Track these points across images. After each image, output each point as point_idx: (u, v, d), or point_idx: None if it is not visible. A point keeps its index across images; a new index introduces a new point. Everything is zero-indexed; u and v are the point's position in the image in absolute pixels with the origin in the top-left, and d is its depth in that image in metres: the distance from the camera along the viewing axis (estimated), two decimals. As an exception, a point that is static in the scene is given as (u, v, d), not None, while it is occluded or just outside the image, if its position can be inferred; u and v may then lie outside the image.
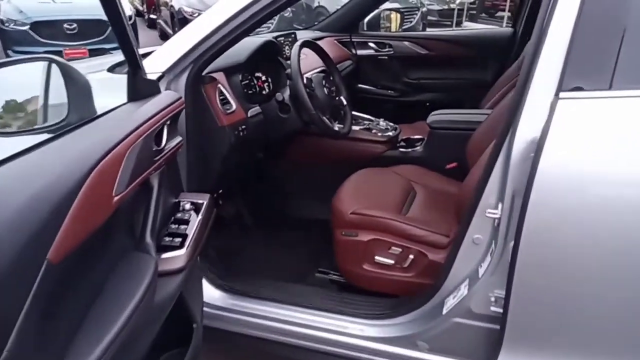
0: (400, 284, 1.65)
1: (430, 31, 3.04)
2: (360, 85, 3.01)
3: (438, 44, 2.86)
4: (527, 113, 1.18)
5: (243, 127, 1.72)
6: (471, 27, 11.24)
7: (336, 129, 1.88)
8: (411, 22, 7.97)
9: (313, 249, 2.07)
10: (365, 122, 2.31)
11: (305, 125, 1.87)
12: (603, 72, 1.10)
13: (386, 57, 2.94)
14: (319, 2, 8.04)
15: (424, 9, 8.52)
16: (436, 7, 11.26)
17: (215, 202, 2.03)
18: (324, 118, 1.82)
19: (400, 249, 1.63)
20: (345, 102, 1.98)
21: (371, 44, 2.95)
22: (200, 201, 1.30)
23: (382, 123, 2.27)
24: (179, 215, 1.25)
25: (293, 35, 2.37)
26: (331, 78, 2.00)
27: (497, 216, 1.26)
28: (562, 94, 1.12)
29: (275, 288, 1.72)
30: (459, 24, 10.90)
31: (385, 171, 2.05)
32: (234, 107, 1.69)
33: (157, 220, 1.15)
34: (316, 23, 3.02)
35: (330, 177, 2.17)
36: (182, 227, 1.22)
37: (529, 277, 1.19)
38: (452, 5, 11.43)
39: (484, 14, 12.73)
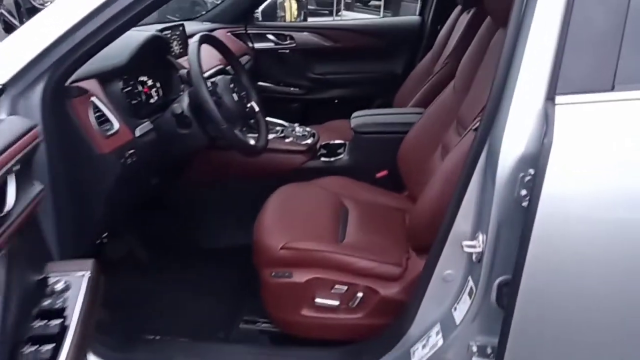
0: (349, 328, 1.37)
1: (334, 20, 2.75)
2: (260, 83, 2.65)
3: (344, 35, 2.60)
4: (511, 124, 0.94)
5: (131, 151, 1.30)
6: (350, 17, 11.34)
7: (252, 142, 1.52)
8: (292, 11, 7.77)
9: (234, 289, 1.70)
10: (278, 128, 1.97)
11: (212, 140, 1.49)
12: (604, 70, 0.90)
13: (287, 51, 2.62)
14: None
15: (304, -2, 8.36)
16: (314, -4, 11.17)
17: (100, 245, 1.59)
18: (237, 132, 1.45)
19: (345, 287, 1.35)
20: (257, 109, 1.63)
21: (270, 36, 2.60)
22: (79, 273, 0.89)
23: (298, 129, 1.95)
24: (46, 302, 0.83)
25: (181, 28, 1.95)
26: (239, 80, 1.64)
27: (478, 250, 1.02)
28: (559, 99, 0.90)
29: (189, 350, 1.35)
30: (336, 12, 10.90)
31: (309, 186, 1.75)
32: (117, 126, 1.27)
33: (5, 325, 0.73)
34: (203, 12, 2.59)
35: (245, 196, 1.83)
36: (53, 323, 0.80)
37: (531, 327, 0.96)
38: (329, -6, 11.41)
39: (358, 3, 12.93)
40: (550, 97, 0.90)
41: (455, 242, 1.07)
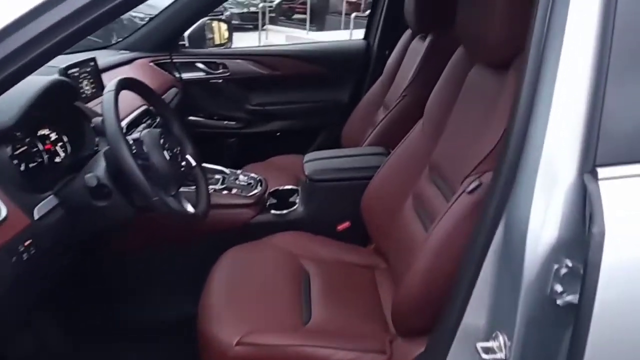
0: None
1: (271, 47, 2.49)
2: (191, 118, 2.33)
3: (282, 62, 2.34)
4: (539, 200, 0.74)
5: (28, 241, 0.96)
6: (274, 29, 11.17)
7: (190, 210, 1.22)
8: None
9: None
10: (218, 176, 1.68)
11: (141, 210, 1.17)
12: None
13: (220, 80, 2.32)
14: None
15: (227, 13, 8.04)
16: (237, 10, 10.96)
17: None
18: (170, 199, 1.15)
19: (321, 389, 1.10)
20: (194, 163, 1.33)
21: (199, 65, 2.29)
22: None
23: (242, 177, 1.66)
24: None
25: (92, 63, 1.61)
26: (169, 130, 1.34)
27: (500, 357, 0.80)
28: (602, 172, 0.70)
29: None
30: (261, 26, 10.70)
31: (260, 247, 1.49)
32: (3, 212, 0.93)
33: None
34: (119, 39, 2.24)
35: (185, 261, 1.53)
36: None
37: None
38: (252, 9, 11.24)
39: (282, 17, 12.84)
40: (589, 169, 0.71)
41: (466, 339, 0.85)
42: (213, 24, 2.50)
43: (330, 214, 1.62)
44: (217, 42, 2.60)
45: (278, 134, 2.44)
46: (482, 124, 1.11)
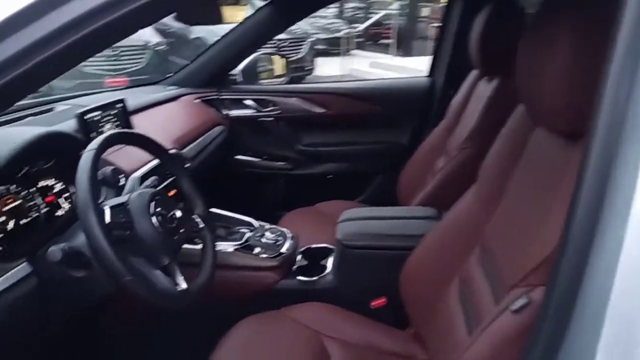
0: None
1: (325, 84, 2.32)
2: (238, 157, 2.21)
3: (337, 100, 2.16)
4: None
5: None
6: (360, 55, 11.09)
7: (181, 286, 1.04)
8: (301, 52, 7.43)
9: None
10: (244, 230, 1.51)
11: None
12: None
13: (270, 118, 2.18)
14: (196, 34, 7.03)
15: (313, 39, 8.06)
16: (323, 35, 11.02)
17: None
18: (155, 273, 0.98)
19: None
20: (201, 225, 1.17)
21: (248, 102, 2.17)
22: None
23: (269, 235, 1.48)
24: None
25: (120, 105, 1.52)
26: (179, 186, 1.20)
27: None
28: None
29: None
30: (347, 51, 10.67)
31: (279, 320, 1.29)
32: None
33: None
34: (168, 75, 2.18)
35: (193, 329, 1.37)
36: None
37: None
38: (338, 35, 11.26)
39: (369, 42, 12.76)
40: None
41: None
42: (269, 58, 2.39)
43: (363, 287, 1.39)
44: (277, 72, 2.48)
45: (329, 177, 2.24)
46: (542, 207, 0.84)
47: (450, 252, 1.19)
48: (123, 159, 1.34)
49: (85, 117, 1.37)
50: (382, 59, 9.94)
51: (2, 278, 0.93)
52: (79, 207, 0.89)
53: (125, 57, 5.92)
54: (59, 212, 1.20)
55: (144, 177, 1.34)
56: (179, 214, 1.09)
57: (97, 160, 0.96)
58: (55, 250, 0.91)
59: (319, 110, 2.15)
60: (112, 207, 0.96)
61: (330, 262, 1.47)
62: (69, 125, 1.36)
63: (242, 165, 2.21)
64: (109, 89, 1.90)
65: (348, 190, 2.14)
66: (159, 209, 1.03)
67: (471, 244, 1.12)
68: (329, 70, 8.86)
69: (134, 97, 1.81)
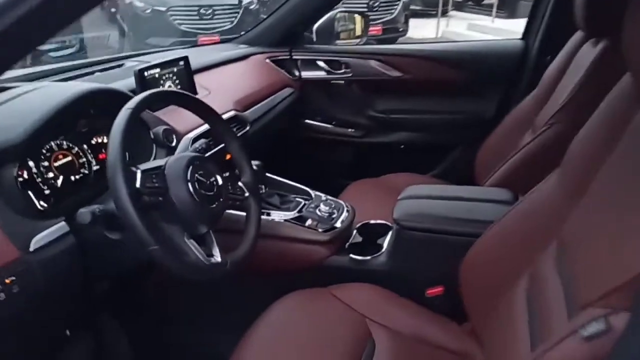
0: None
1: (405, 45, 2.11)
2: (307, 121, 2.13)
3: (416, 64, 1.97)
4: None
5: (9, 279, 0.84)
6: (458, 16, 10.42)
7: (215, 259, 0.98)
8: (392, 13, 7.07)
9: None
10: (300, 199, 1.43)
11: None
12: None
13: (342, 82, 2.06)
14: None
15: (409, -1, 7.64)
16: (420, -6, 10.42)
17: None
18: (187, 243, 0.93)
19: None
20: (247, 193, 1.11)
21: (321, 63, 2.06)
22: None
23: (324, 207, 1.39)
24: None
25: (182, 63, 1.48)
26: (227, 151, 1.14)
27: None
28: None
29: None
30: (444, 13, 10.02)
31: (325, 297, 1.22)
32: None
33: None
34: (242, 33, 2.12)
35: (234, 299, 1.35)
36: None
37: None
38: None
39: (470, 2, 11.90)
40: None
41: None
42: (346, 16, 2.23)
43: (420, 273, 1.26)
44: (358, 33, 2.33)
45: (402, 146, 2.09)
46: (638, 210, 0.67)
47: (522, 244, 1.03)
48: (178, 119, 1.31)
49: (145, 75, 1.34)
50: (482, 20, 9.24)
51: (44, 233, 0.93)
52: (107, 169, 0.86)
53: (218, 16, 6.02)
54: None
55: (197, 140, 1.30)
56: (220, 181, 1.03)
57: (133, 120, 0.92)
58: (84, 213, 0.89)
59: (395, 74, 1.99)
60: (144, 171, 0.91)
61: (387, 242, 1.36)
62: (129, 82, 1.34)
63: (309, 130, 2.12)
64: (166, 49, 1.88)
65: (420, 163, 1.98)
66: (197, 175, 0.98)
67: (547, 238, 0.95)
68: (422, 33, 8.40)
69: (202, 56, 1.77)
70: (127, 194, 0.84)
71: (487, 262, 1.10)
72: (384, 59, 1.99)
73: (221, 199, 1.02)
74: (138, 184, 0.88)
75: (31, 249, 0.89)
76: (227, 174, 1.36)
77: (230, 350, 1.06)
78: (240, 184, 1.13)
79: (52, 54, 5.58)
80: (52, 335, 1.15)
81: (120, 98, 1.19)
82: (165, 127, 1.25)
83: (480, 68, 1.94)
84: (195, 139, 1.29)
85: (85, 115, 1.11)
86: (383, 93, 2.05)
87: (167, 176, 0.94)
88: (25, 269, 0.87)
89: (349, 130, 2.12)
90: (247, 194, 1.13)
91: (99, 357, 1.44)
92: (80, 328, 1.40)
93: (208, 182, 0.99)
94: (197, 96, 1.51)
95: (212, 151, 1.30)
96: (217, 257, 0.98)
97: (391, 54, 2.00)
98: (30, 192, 1.00)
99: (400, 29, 7.25)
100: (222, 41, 1.96)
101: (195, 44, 1.97)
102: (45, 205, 1.01)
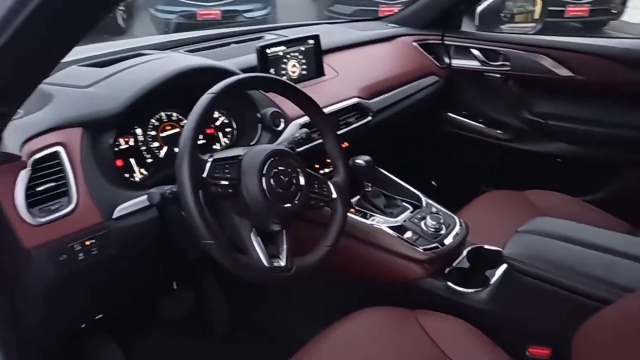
0: None
1: (586, 40, 1.72)
2: (450, 115, 1.92)
3: (596, 64, 1.61)
4: None
5: (90, 241, 0.89)
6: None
7: (279, 262, 0.90)
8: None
9: None
10: (405, 205, 1.29)
11: None
12: None
13: (499, 76, 1.79)
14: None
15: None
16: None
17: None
18: (253, 240, 0.88)
19: None
20: (335, 195, 1.01)
21: (476, 52, 1.81)
22: None
23: (430, 222, 1.22)
24: None
25: (312, 42, 1.41)
26: (322, 147, 1.05)
27: None
28: None
29: None
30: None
31: (406, 321, 1.08)
32: (72, 204, 0.88)
33: None
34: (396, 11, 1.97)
35: (306, 305, 1.29)
36: None
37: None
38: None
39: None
40: None
41: None
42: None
43: (525, 326, 1.04)
44: (537, 17, 2.03)
45: (558, 160, 1.76)
46: None
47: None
48: (289, 102, 1.26)
49: (268, 52, 1.31)
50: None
51: (129, 203, 0.97)
52: (178, 153, 0.84)
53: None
54: (216, 146, 1.21)
55: (304, 127, 1.24)
56: (302, 179, 0.96)
57: (214, 106, 0.88)
58: (154, 193, 0.89)
59: (565, 73, 1.66)
60: (217, 160, 0.88)
61: (496, 277, 1.15)
62: (251, 58, 1.32)
63: (451, 125, 1.91)
64: (305, 24, 1.81)
65: (576, 184, 1.65)
66: (274, 170, 0.91)
67: None
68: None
69: (340, 34, 1.69)
70: (190, 183, 0.81)
71: (614, 337, 0.85)
72: (555, 54, 1.66)
73: (298, 199, 0.94)
74: (205, 174, 0.85)
75: (115, 216, 0.94)
76: (324, 170, 1.28)
77: (307, 337, 1.02)
78: (330, 183, 1.04)
79: (246, 14, 6.05)
80: (158, 284, 1.23)
81: (225, 77, 1.18)
82: (274, 109, 1.21)
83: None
84: (303, 126, 1.23)
85: (192, 91, 1.13)
86: (546, 94, 1.74)
87: (242, 167, 0.90)
88: (104, 234, 0.91)
89: (497, 131, 1.85)
90: (334, 196, 1.03)
91: (198, 310, 1.54)
92: (186, 284, 1.50)
93: (287, 179, 0.93)
94: (323, 79, 1.45)
95: (313, 144, 1.22)
96: (282, 261, 0.91)
97: (564, 49, 1.66)
98: (132, 160, 1.05)
99: (614, 11, 6.07)
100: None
101: (377, 17, 1.87)
102: (146, 173, 1.06)
